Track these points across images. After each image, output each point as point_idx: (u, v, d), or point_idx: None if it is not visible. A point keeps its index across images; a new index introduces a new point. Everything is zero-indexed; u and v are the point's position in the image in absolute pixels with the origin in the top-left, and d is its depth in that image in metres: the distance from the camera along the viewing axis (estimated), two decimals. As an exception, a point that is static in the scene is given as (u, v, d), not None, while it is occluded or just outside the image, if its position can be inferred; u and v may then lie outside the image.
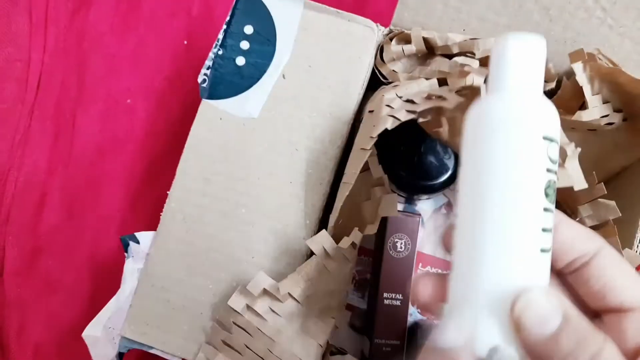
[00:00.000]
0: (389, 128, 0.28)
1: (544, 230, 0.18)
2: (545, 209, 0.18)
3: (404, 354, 0.34)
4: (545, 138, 0.18)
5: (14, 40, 0.45)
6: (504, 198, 0.18)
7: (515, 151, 0.18)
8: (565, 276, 0.20)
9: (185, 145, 0.33)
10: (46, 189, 0.44)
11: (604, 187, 0.29)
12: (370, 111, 0.31)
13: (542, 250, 0.18)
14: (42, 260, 0.43)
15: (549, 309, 0.17)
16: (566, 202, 0.33)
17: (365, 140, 0.29)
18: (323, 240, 0.29)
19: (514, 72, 0.19)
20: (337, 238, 0.30)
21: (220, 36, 0.33)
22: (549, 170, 0.18)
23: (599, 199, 0.30)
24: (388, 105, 0.29)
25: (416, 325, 0.37)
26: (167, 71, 0.46)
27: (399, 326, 0.35)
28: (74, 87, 0.46)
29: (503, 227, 0.18)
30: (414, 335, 0.35)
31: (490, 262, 0.18)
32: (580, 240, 0.20)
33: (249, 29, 0.33)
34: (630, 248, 0.32)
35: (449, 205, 0.40)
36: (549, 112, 0.19)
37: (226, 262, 0.32)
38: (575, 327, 0.17)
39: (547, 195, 0.18)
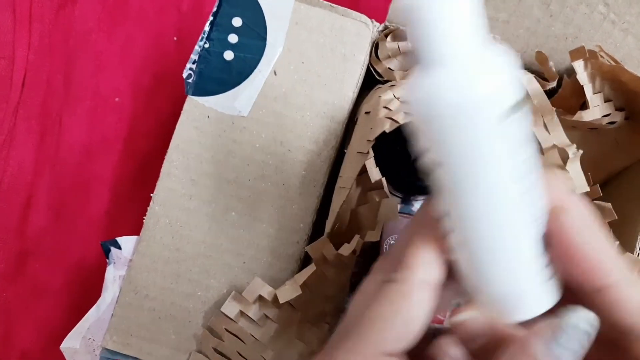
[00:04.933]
0: (387, 131, 0.27)
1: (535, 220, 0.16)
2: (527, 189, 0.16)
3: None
4: (501, 116, 0.15)
5: (-3, 37, 0.44)
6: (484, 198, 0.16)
7: (476, 146, 0.15)
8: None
9: (170, 145, 0.32)
10: (32, 190, 0.43)
11: (599, 189, 0.29)
12: (367, 112, 0.30)
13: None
14: (29, 264, 0.42)
15: None
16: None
17: (362, 144, 0.28)
18: (323, 247, 0.28)
19: (437, 41, 0.15)
20: (333, 243, 0.29)
21: (207, 28, 0.32)
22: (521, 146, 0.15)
23: (595, 201, 0.29)
24: (385, 107, 0.28)
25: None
26: (157, 69, 0.45)
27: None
28: (60, 85, 0.45)
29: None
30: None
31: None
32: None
33: (237, 22, 0.32)
34: (633, 248, 0.31)
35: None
36: (496, 79, 0.15)
37: (216, 268, 0.31)
38: None
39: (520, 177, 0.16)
